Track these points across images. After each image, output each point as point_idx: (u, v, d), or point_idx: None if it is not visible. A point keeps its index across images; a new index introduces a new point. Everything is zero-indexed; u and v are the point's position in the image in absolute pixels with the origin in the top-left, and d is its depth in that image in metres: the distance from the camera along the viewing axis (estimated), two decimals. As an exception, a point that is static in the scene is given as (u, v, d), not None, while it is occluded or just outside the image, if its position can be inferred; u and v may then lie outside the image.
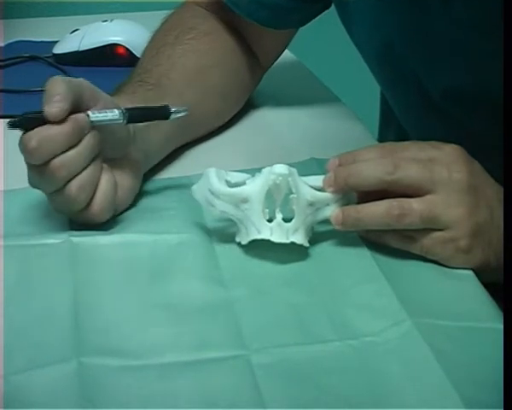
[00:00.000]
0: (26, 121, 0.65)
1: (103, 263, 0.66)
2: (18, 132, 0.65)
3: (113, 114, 0.68)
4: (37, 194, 0.70)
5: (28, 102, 0.95)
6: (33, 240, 0.67)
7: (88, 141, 0.66)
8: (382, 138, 1.06)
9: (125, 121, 0.69)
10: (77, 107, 0.66)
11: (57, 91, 0.65)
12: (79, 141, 0.65)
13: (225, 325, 0.59)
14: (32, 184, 0.67)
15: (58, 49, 1.10)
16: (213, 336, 0.58)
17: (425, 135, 0.88)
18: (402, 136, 0.95)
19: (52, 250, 0.66)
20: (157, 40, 0.90)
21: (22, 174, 0.68)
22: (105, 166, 0.69)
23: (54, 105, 0.64)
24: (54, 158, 0.64)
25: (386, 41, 0.84)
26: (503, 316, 0.59)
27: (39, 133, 0.64)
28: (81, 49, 1.08)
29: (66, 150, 0.65)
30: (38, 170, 0.65)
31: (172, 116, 0.72)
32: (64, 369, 0.54)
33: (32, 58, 1.11)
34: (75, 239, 0.67)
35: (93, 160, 0.67)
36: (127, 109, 0.69)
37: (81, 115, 0.66)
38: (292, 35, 0.96)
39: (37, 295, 0.62)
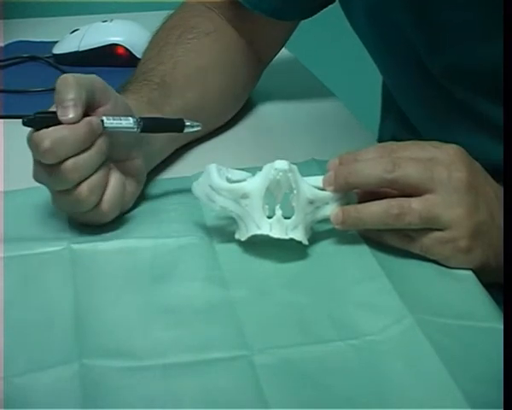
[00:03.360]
0: (41, 121, 0.65)
1: (104, 268, 0.65)
2: (18, 132, 0.65)
3: (128, 122, 0.68)
4: (37, 195, 0.70)
5: (28, 102, 0.96)
6: (33, 248, 0.67)
7: (100, 145, 0.66)
8: (382, 129, 1.06)
9: (139, 130, 0.69)
10: (88, 105, 0.66)
11: (71, 95, 0.65)
12: (91, 144, 0.66)
13: (227, 326, 0.59)
14: (38, 180, 0.67)
15: (58, 50, 1.10)
16: (215, 337, 0.58)
17: (425, 116, 0.87)
18: (402, 122, 0.94)
19: (52, 258, 0.66)
20: (159, 39, 0.90)
21: (22, 175, 0.68)
22: (112, 166, 0.69)
23: (68, 111, 0.65)
24: (66, 160, 0.64)
25: (388, 22, 0.84)
26: (503, 316, 0.59)
27: (53, 134, 0.64)
28: (81, 49, 1.08)
29: (78, 153, 0.65)
30: (49, 169, 0.65)
31: (186, 130, 0.73)
32: (66, 371, 0.54)
33: (32, 58, 1.11)
34: (75, 246, 0.67)
35: (103, 162, 0.67)
36: (142, 119, 0.69)
37: (95, 120, 0.66)
38: (292, 29, 0.95)
39: (39, 297, 0.62)
